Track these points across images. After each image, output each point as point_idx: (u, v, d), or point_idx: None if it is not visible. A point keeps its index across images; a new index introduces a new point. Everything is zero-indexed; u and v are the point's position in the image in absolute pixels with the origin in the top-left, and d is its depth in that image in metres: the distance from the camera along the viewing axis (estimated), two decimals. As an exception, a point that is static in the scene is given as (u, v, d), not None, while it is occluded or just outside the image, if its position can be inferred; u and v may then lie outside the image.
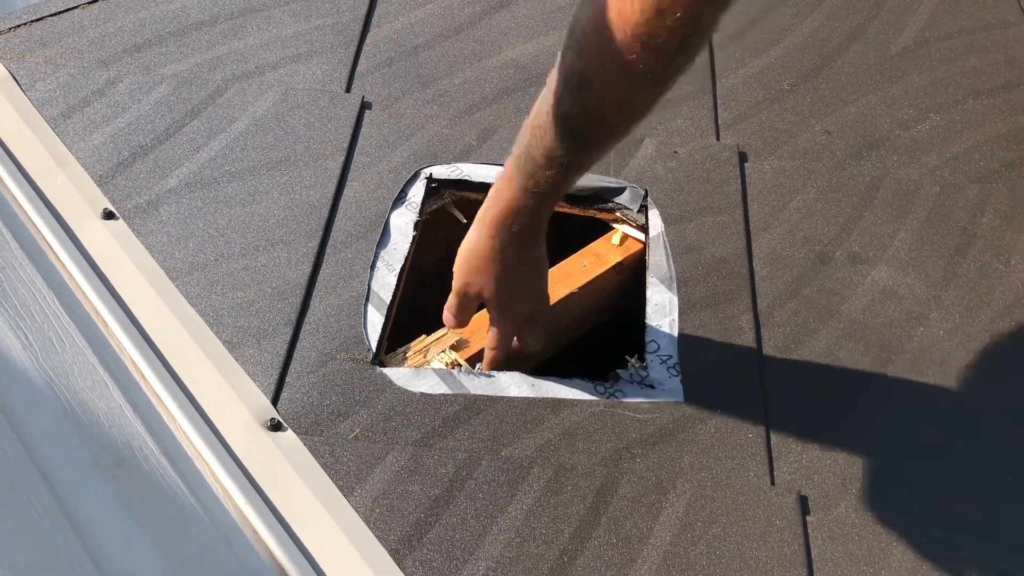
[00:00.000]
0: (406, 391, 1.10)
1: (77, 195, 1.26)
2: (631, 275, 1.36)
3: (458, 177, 1.34)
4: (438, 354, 1.16)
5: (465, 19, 1.58)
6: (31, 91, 1.38)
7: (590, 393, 1.12)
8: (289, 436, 1.05)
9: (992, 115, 1.51)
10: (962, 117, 1.50)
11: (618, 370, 1.15)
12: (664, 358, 1.16)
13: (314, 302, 1.18)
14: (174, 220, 1.25)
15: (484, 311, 1.18)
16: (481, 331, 1.20)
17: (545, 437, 1.08)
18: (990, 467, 1.09)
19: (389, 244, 1.25)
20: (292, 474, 1.01)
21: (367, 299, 1.18)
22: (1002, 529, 1.04)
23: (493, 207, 1.00)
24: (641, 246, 1.33)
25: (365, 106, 1.42)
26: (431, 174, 1.33)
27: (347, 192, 1.30)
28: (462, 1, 1.61)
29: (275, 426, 1.05)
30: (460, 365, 1.15)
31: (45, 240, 1.19)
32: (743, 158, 1.41)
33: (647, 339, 1.17)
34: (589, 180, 1.33)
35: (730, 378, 1.14)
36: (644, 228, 1.32)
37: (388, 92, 1.45)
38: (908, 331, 1.21)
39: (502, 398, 1.10)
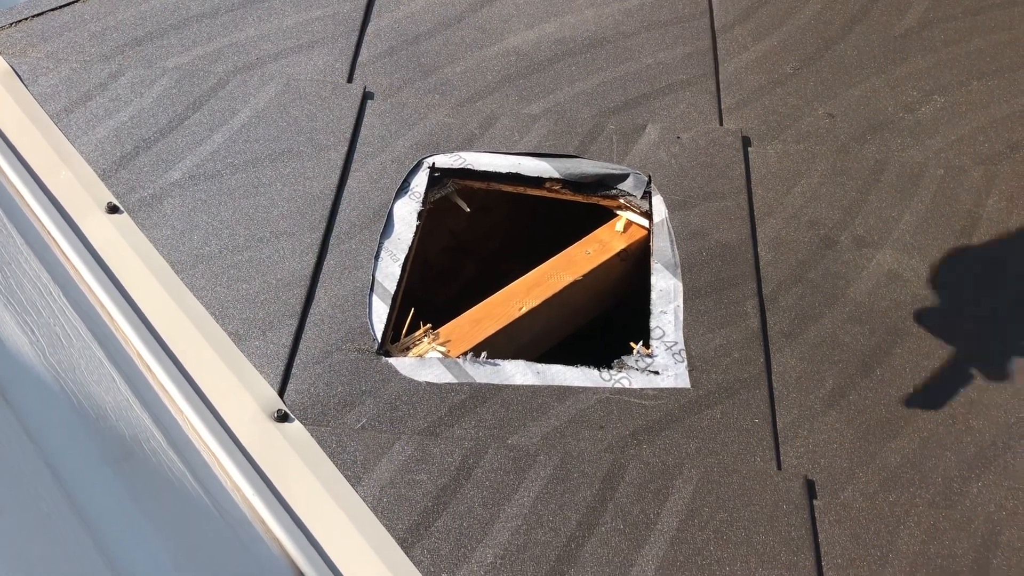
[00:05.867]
0: (412, 380, 1.10)
1: (81, 189, 1.26)
2: (635, 262, 1.35)
3: (461, 166, 1.33)
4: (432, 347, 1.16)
5: (466, 7, 1.57)
6: (33, 86, 1.38)
7: (595, 380, 1.12)
8: (296, 427, 1.05)
9: (997, 96, 1.50)
10: (966, 99, 1.49)
11: (623, 357, 1.15)
12: (669, 344, 1.15)
13: (319, 293, 1.18)
14: (178, 213, 1.25)
15: (473, 312, 1.18)
16: (467, 327, 1.20)
17: (551, 424, 1.08)
18: (999, 448, 1.09)
19: (393, 234, 1.25)
20: (300, 465, 1.01)
21: (372, 289, 1.19)
22: (1013, 511, 1.04)
23: None
24: (645, 232, 1.33)
25: (367, 96, 1.42)
26: (434, 163, 1.33)
27: (350, 182, 1.30)
28: (463, -11, 1.61)
29: (282, 417, 1.05)
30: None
31: (50, 235, 1.19)
32: (746, 143, 1.40)
33: (652, 325, 1.17)
34: (592, 167, 1.33)
35: (736, 363, 1.14)
36: (648, 214, 1.31)
37: (390, 82, 1.45)
38: (913, 314, 1.21)
39: (507, 386, 1.11)
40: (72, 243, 1.18)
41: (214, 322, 1.14)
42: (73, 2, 1.51)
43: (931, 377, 1.15)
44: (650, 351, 1.15)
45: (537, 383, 1.11)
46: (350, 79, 1.45)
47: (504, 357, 1.14)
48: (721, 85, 1.49)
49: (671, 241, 1.26)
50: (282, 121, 1.37)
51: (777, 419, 1.10)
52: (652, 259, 1.25)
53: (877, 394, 1.13)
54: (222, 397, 1.06)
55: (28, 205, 1.23)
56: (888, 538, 1.01)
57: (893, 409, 1.12)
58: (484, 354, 1.14)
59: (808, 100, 1.48)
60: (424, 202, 1.29)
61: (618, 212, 1.35)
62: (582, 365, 1.13)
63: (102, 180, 1.28)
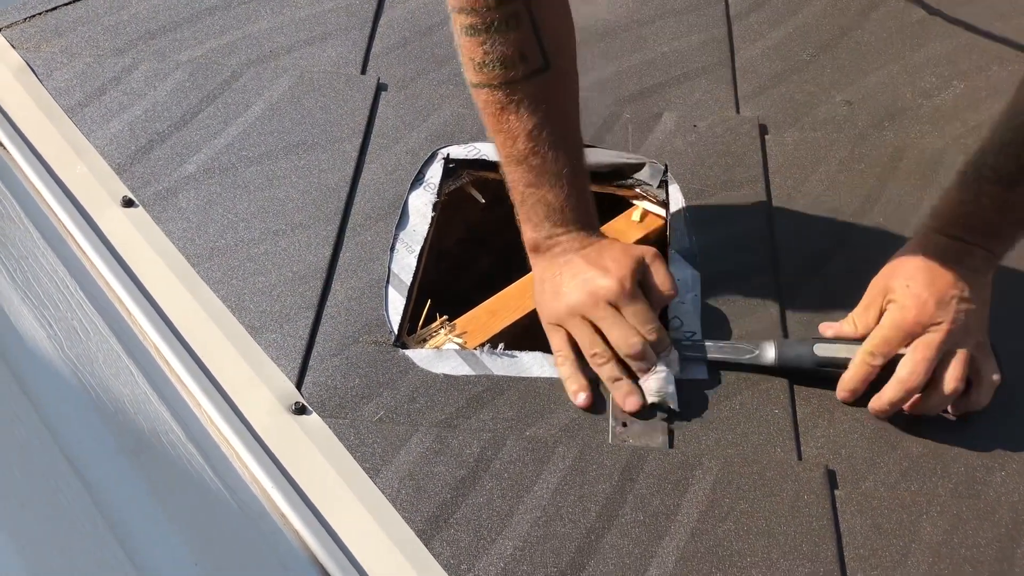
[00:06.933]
0: (429, 373, 1.10)
1: (96, 183, 1.26)
2: (652, 252, 1.34)
3: (475, 157, 1.33)
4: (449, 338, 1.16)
5: (479, -3, 1.56)
6: (48, 81, 1.38)
7: (614, 371, 1.11)
8: (314, 419, 1.05)
9: (1016, 82, 1.48)
10: (986, 84, 1.48)
11: (641, 347, 1.14)
12: (688, 334, 1.15)
13: (335, 285, 1.18)
14: (193, 206, 1.24)
15: (490, 303, 1.18)
16: (483, 319, 1.19)
17: (569, 416, 1.07)
18: (1022, 437, 1.08)
19: (408, 226, 1.24)
20: (318, 457, 1.01)
21: (388, 281, 1.18)
22: (1034, 500, 1.03)
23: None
24: (662, 222, 1.32)
25: (381, 87, 1.41)
26: (448, 154, 1.33)
27: (365, 174, 1.30)
28: (476, -21, 1.60)
29: (300, 409, 1.05)
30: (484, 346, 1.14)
31: (66, 229, 1.20)
32: (763, 130, 1.39)
33: (670, 315, 1.16)
34: (608, 156, 1.32)
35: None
36: (665, 204, 1.30)
37: (403, 73, 1.44)
38: (934, 302, 1.19)
39: (525, 378, 1.10)
40: (88, 237, 1.18)
41: (231, 315, 1.14)
42: (86, -4, 1.51)
43: (953, 366, 1.13)
44: (668, 341, 1.14)
45: (555, 375, 1.11)
46: (363, 71, 1.44)
47: (521, 349, 1.13)
48: (737, 73, 1.48)
49: (688, 231, 1.25)
50: (296, 114, 1.36)
51: (797, 409, 1.09)
52: (669, 249, 1.24)
53: (898, 383, 1.12)
54: (239, 390, 1.06)
55: (44, 200, 1.23)
56: (910, 528, 1.00)
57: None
58: (501, 346, 1.13)
59: (825, 87, 1.47)
60: (439, 193, 1.29)
61: (634, 202, 1.34)
62: (600, 356, 1.12)
63: (117, 174, 1.28)
